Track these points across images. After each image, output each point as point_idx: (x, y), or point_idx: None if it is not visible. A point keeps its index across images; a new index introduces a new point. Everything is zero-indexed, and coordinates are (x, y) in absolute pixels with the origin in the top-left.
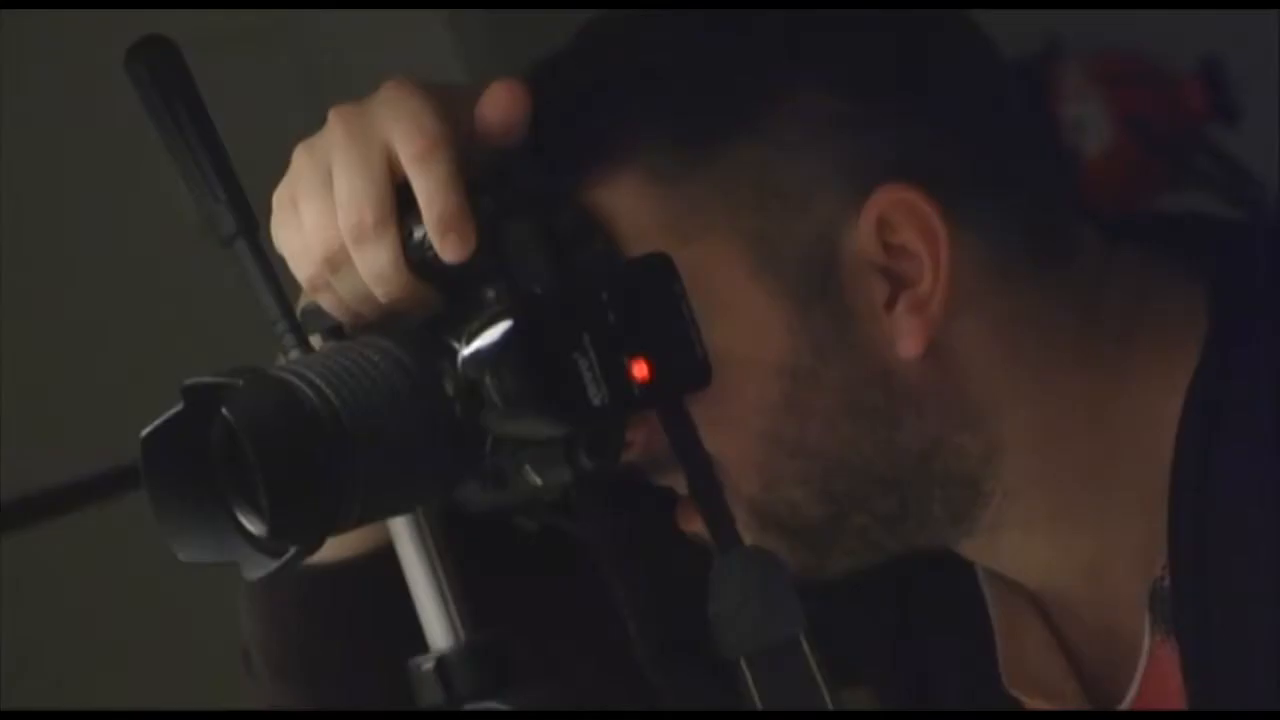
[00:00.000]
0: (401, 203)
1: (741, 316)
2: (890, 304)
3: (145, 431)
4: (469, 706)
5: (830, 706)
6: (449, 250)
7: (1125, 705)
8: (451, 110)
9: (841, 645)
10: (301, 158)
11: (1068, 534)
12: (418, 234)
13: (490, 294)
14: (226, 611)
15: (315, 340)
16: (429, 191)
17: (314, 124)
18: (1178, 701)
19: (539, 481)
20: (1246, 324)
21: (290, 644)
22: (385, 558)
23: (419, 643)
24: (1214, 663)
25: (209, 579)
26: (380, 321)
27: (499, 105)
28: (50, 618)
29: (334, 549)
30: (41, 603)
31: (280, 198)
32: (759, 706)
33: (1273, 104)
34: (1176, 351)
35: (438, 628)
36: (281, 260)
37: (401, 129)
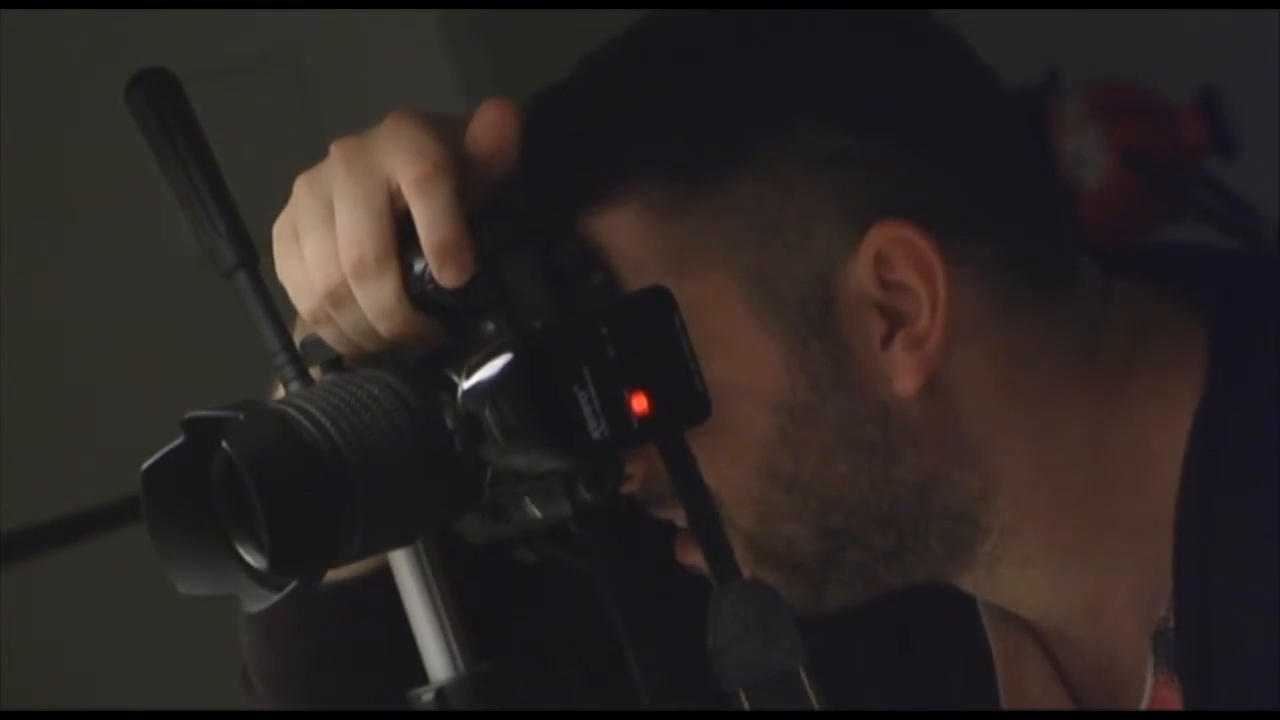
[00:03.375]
0: (402, 236)
1: (739, 351)
2: (887, 341)
3: (146, 465)
4: None
5: None
6: (447, 276)
7: None
8: (453, 140)
9: (841, 675)
10: (303, 190)
11: (1066, 569)
12: (418, 267)
13: (490, 327)
14: (228, 628)
15: (315, 372)
16: (428, 218)
17: (315, 156)
18: None
19: (539, 514)
20: (1248, 357)
21: (289, 665)
22: (385, 578)
23: (418, 664)
24: (1216, 705)
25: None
26: (381, 354)
27: (490, 127)
28: (51, 631)
29: (333, 570)
30: (42, 617)
31: (282, 229)
32: None
33: (1272, 136)
34: (1176, 384)
35: (437, 659)
36: (283, 290)
37: (402, 156)
